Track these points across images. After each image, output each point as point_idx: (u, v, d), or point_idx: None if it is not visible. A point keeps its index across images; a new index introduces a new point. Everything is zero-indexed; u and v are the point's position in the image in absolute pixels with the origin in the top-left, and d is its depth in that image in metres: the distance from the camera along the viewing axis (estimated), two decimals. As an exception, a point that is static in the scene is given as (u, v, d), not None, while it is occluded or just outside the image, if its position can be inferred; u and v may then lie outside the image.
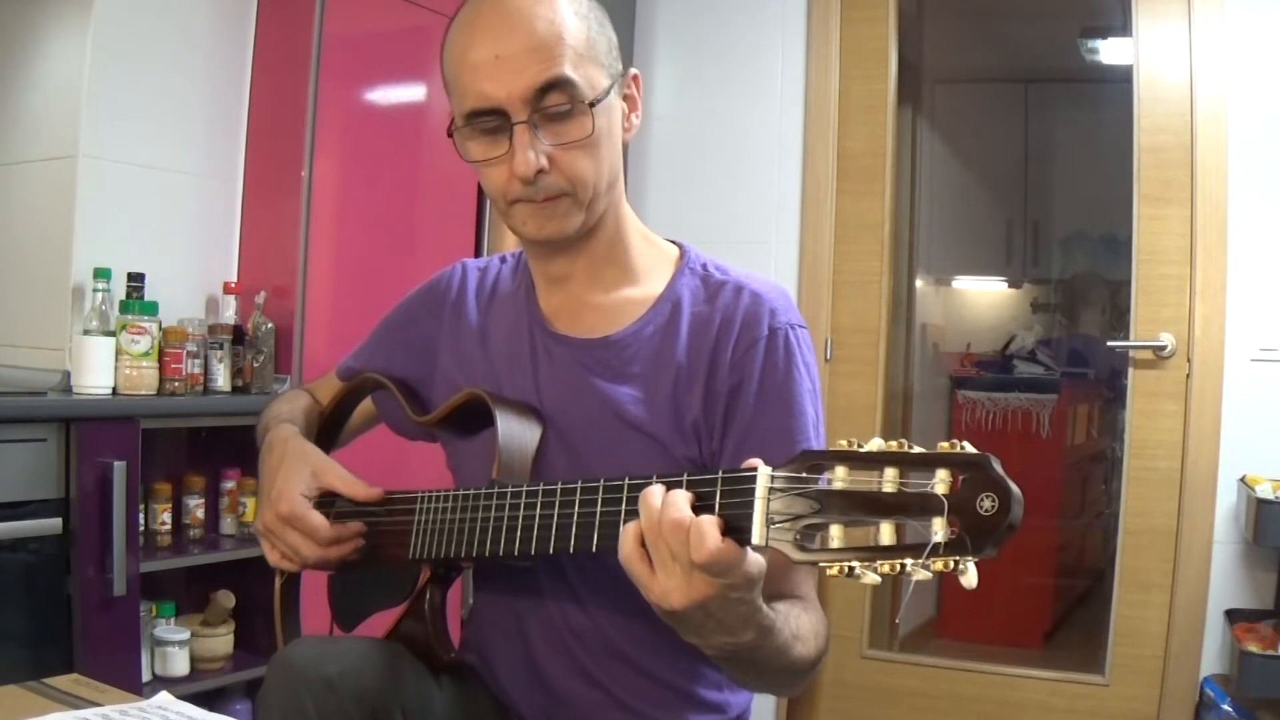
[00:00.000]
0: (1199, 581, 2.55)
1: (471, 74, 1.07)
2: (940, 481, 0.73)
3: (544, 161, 1.06)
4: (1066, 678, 2.76)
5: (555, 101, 1.06)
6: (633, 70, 1.16)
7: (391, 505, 1.16)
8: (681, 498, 0.84)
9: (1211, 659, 2.53)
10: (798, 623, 1.00)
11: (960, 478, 0.73)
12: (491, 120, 1.07)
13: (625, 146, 1.16)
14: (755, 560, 0.85)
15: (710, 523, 0.82)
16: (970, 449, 0.73)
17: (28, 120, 2.46)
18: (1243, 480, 2.45)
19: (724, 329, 1.13)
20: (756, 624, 0.89)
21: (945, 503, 0.72)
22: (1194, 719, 2.52)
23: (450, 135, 1.12)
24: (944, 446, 0.74)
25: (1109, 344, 2.82)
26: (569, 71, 1.05)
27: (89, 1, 2.32)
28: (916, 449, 0.75)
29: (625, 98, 1.15)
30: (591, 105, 1.07)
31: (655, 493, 0.86)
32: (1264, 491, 2.30)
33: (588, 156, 1.08)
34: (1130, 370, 2.69)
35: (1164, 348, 2.62)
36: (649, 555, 0.86)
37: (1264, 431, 2.52)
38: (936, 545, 0.72)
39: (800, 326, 1.15)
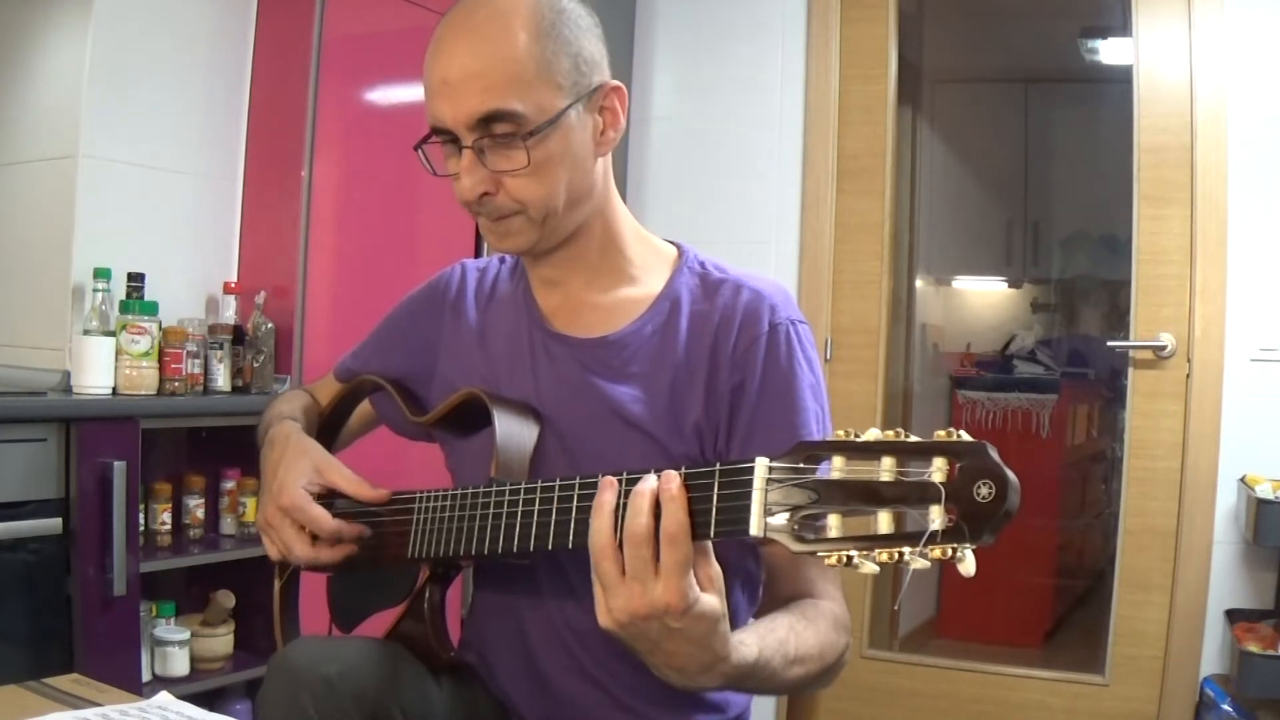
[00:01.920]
0: (1199, 581, 2.55)
1: (429, 93, 1.10)
2: (937, 470, 0.73)
3: (487, 186, 1.08)
4: (1066, 678, 2.75)
5: (501, 130, 1.06)
6: (613, 82, 1.14)
7: (390, 505, 1.15)
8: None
9: (1211, 659, 2.53)
10: (798, 644, 1.00)
11: (957, 465, 0.73)
12: (447, 138, 1.10)
13: (613, 151, 1.16)
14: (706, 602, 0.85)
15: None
16: (966, 437, 0.74)
17: (28, 120, 2.46)
18: (1243, 480, 2.45)
19: (724, 327, 1.13)
20: (721, 673, 0.90)
21: (942, 491, 0.72)
22: (1194, 719, 2.52)
23: (416, 149, 1.13)
24: (940, 435, 0.74)
25: (1109, 344, 2.82)
26: (512, 102, 1.05)
27: (89, 1, 2.32)
28: (913, 438, 0.76)
29: (603, 109, 1.13)
30: (529, 136, 1.06)
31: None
32: (1264, 491, 2.30)
33: (534, 181, 1.08)
34: (1130, 370, 2.69)
35: (1164, 348, 2.62)
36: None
37: (1264, 431, 2.52)
38: (934, 533, 0.72)
39: (801, 322, 1.15)
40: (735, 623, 1.01)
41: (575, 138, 1.10)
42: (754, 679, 0.94)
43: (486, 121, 1.06)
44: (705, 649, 0.87)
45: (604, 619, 0.87)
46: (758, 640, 0.94)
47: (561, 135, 1.08)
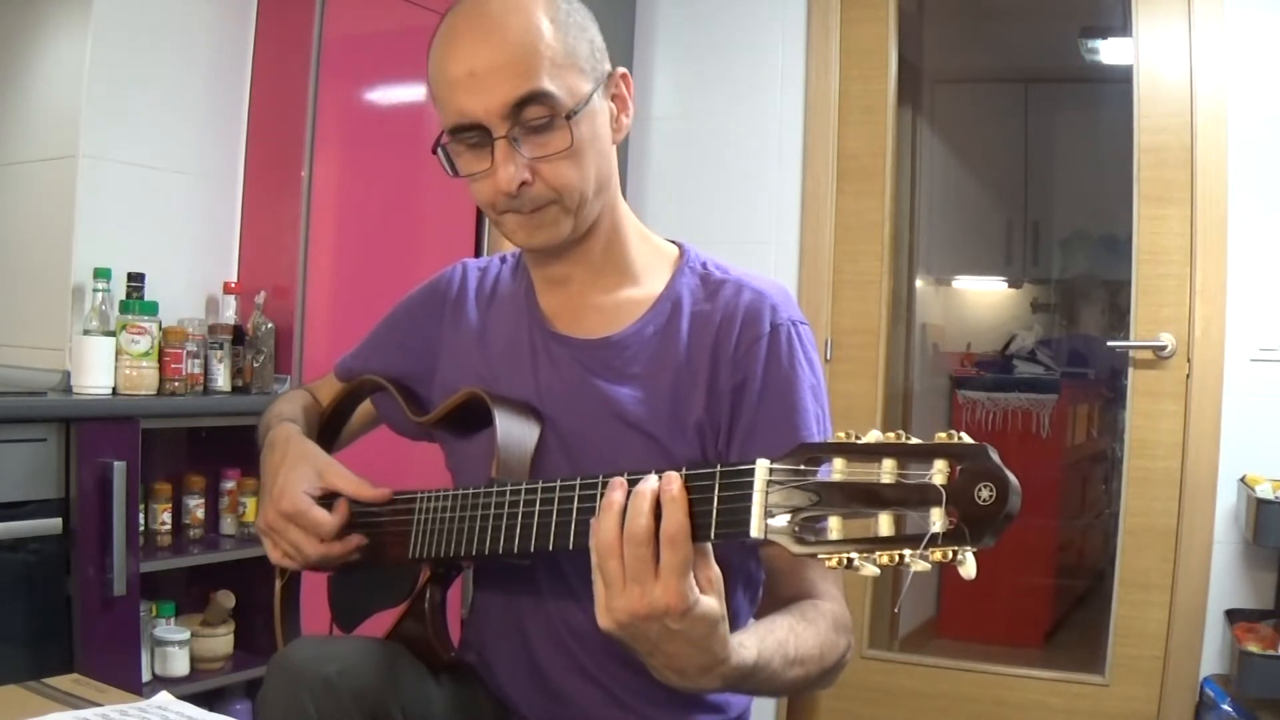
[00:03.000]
0: (1199, 581, 2.55)
1: (450, 90, 1.07)
2: (938, 472, 0.73)
3: (526, 175, 1.06)
4: (1066, 678, 2.76)
5: (534, 115, 1.05)
6: (620, 69, 1.15)
7: (391, 505, 1.15)
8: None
9: (1211, 659, 2.53)
10: (798, 645, 0.99)
11: (958, 468, 0.73)
12: (474, 135, 1.07)
13: (617, 146, 1.16)
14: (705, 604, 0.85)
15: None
16: (967, 439, 0.73)
17: (28, 120, 2.46)
18: (1243, 480, 2.45)
19: (725, 327, 1.13)
20: (721, 675, 0.89)
21: (943, 493, 0.72)
22: (1194, 719, 2.52)
23: (434, 152, 1.11)
24: (941, 437, 0.74)
25: (1109, 344, 2.82)
26: (546, 84, 1.04)
27: (89, 1, 2.32)
28: (914, 440, 0.75)
29: (614, 97, 1.14)
30: (570, 116, 1.05)
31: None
32: (1264, 491, 2.30)
33: (571, 165, 1.08)
34: (1130, 370, 2.69)
35: (1164, 348, 2.62)
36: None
37: (1264, 431, 2.52)
38: (935, 536, 0.72)
39: (802, 323, 1.15)
40: (736, 624, 1.01)
41: (599, 122, 1.11)
42: (753, 681, 0.94)
43: (520, 107, 1.04)
44: (705, 651, 0.87)
45: (604, 620, 0.87)
46: (757, 642, 0.94)
47: (590, 119, 1.09)
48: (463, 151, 1.10)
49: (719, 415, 1.11)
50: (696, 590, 0.84)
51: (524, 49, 1.05)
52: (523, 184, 1.06)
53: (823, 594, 1.09)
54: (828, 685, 1.07)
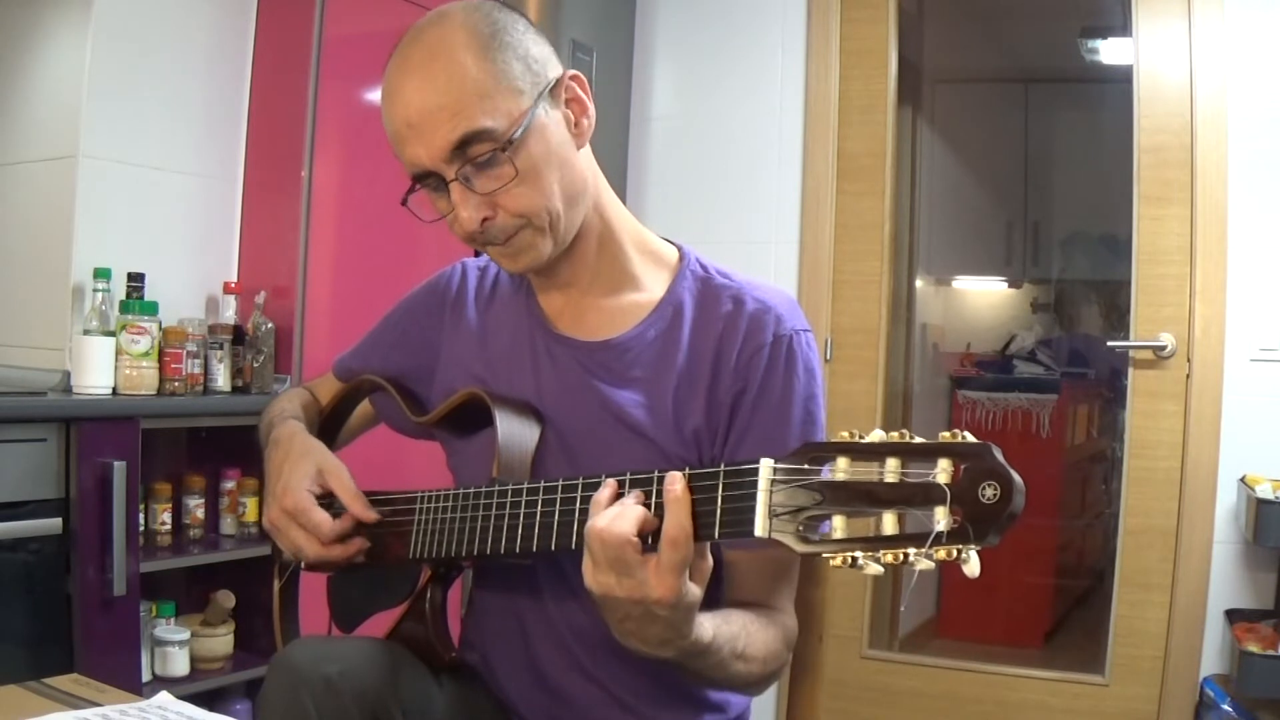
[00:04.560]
0: (1199, 581, 2.55)
1: (397, 142, 1.09)
2: (942, 471, 0.73)
3: (486, 210, 1.07)
4: (1066, 678, 2.75)
5: (478, 151, 1.05)
6: (569, 72, 1.13)
7: (391, 505, 1.15)
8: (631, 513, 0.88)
9: (1211, 659, 2.53)
10: (748, 642, 1.02)
11: (961, 467, 0.73)
12: (431, 181, 1.09)
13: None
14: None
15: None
16: (971, 438, 0.74)
17: (28, 120, 2.46)
18: (1243, 480, 2.45)
19: (727, 335, 1.13)
20: (678, 647, 0.92)
21: (947, 492, 0.73)
22: (1194, 719, 2.52)
23: (404, 204, 1.13)
24: (945, 436, 0.75)
25: (1109, 344, 2.82)
26: (481, 120, 1.04)
27: (89, 1, 2.32)
28: (918, 439, 0.76)
29: (568, 102, 1.12)
30: (506, 147, 1.04)
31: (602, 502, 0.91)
32: (1264, 491, 2.30)
33: (530, 188, 1.07)
34: (1130, 370, 2.69)
35: (1164, 348, 2.62)
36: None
37: (1264, 431, 2.51)
38: (939, 534, 0.72)
39: (805, 331, 1.15)
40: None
41: (551, 135, 1.09)
42: (701, 661, 0.97)
43: (462, 147, 1.04)
44: (674, 630, 0.90)
45: (591, 584, 0.90)
46: (714, 627, 0.97)
47: (538, 136, 1.07)
48: (430, 197, 1.12)
49: (717, 422, 1.12)
50: (688, 584, 0.87)
51: (451, 91, 1.04)
52: (485, 219, 1.07)
53: (780, 608, 1.12)
54: (760, 692, 1.11)
